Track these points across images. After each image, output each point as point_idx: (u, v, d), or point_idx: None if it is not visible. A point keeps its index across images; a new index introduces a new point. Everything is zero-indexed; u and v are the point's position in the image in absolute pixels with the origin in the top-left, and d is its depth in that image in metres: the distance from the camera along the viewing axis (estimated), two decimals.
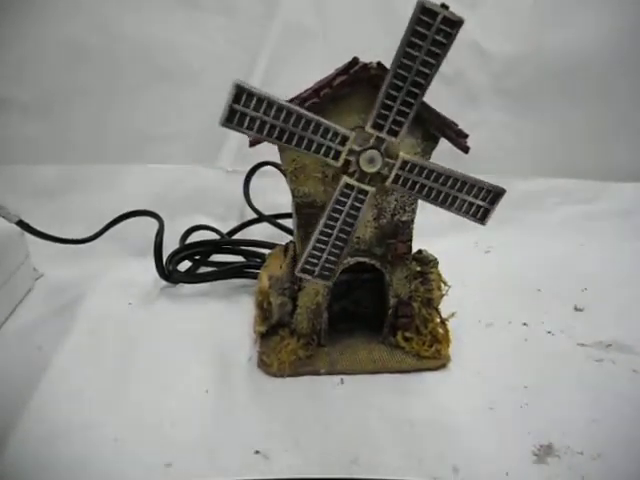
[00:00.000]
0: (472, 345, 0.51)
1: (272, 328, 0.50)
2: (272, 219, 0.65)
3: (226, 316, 0.56)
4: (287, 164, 0.43)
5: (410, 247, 0.47)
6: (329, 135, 0.37)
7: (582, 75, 0.76)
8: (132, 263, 0.65)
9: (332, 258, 0.40)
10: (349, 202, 0.38)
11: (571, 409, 0.43)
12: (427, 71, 0.34)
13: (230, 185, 0.72)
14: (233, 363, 0.48)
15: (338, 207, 0.38)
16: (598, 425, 0.41)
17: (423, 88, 0.35)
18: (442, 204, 0.39)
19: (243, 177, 0.70)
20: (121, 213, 0.60)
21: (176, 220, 0.67)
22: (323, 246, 0.39)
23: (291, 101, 0.43)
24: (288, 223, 0.65)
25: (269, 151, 0.42)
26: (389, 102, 0.35)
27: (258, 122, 0.35)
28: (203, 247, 0.62)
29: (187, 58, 0.71)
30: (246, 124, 0.35)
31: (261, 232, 0.68)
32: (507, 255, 0.70)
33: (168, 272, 0.58)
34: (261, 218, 0.66)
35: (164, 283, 0.61)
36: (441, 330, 0.50)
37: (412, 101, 0.35)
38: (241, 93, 0.34)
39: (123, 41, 0.67)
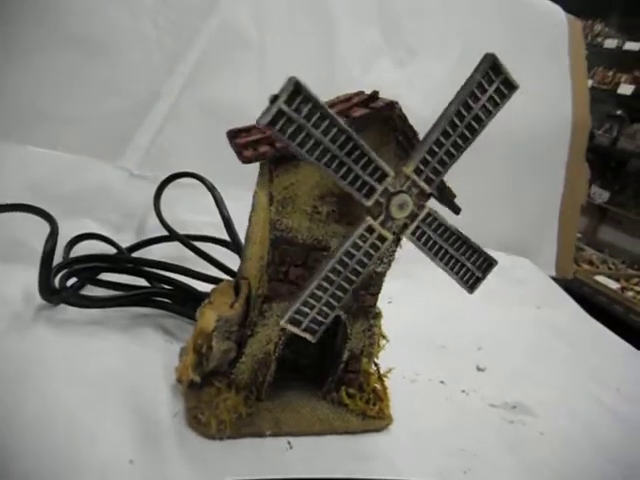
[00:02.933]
0: (403, 402, 0.49)
1: (204, 377, 0.41)
2: (186, 239, 0.56)
3: (130, 355, 0.45)
4: (277, 191, 0.37)
5: (376, 300, 0.44)
6: (369, 168, 0.33)
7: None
8: None
9: (327, 310, 0.35)
10: (364, 247, 0.34)
11: (507, 473, 0.44)
12: (476, 126, 0.33)
13: (132, 191, 0.60)
14: (155, 420, 0.39)
15: (352, 251, 0.34)
16: None
17: (468, 142, 0.33)
18: (445, 265, 0.37)
19: (149, 184, 0.59)
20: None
21: (59, 222, 0.53)
22: (322, 294, 0.34)
23: None
24: (207, 248, 0.56)
25: (188, 160, 0.36)
26: (436, 149, 0.33)
27: (304, 133, 0.29)
28: (100, 262, 0.50)
29: (106, 32, 0.58)
30: (290, 132, 0.29)
31: (166, 253, 0.57)
32: (408, 307, 0.71)
33: (55, 290, 0.45)
34: (172, 236, 0.56)
35: (39, 302, 0.47)
36: (379, 386, 0.48)
37: (455, 153, 0.33)
38: (297, 93, 0.28)
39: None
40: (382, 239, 0.34)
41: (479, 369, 0.61)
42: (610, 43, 2.28)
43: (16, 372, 0.39)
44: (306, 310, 0.34)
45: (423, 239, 0.36)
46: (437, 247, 0.37)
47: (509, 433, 0.50)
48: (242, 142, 0.36)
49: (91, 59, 0.57)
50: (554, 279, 0.97)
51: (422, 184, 0.34)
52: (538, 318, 0.79)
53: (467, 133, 0.33)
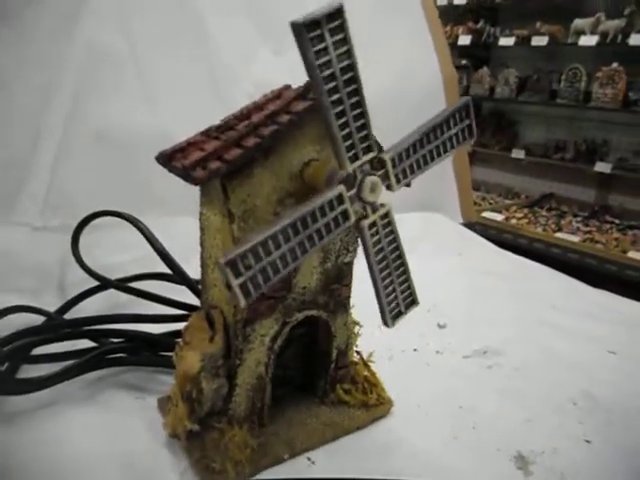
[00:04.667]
0: (392, 381, 0.49)
1: (201, 423, 0.38)
2: (121, 284, 0.50)
3: (106, 425, 0.40)
4: (235, 207, 0.34)
5: (350, 290, 0.43)
6: (362, 133, 0.31)
7: None
8: None
9: (269, 272, 0.29)
10: (328, 217, 0.31)
11: (510, 415, 0.46)
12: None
13: (40, 246, 0.52)
14: None
15: (317, 214, 0.31)
16: (546, 423, 0.45)
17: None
18: (381, 279, 0.35)
19: (57, 234, 0.52)
20: None
21: None
22: (273, 249, 0.29)
23: (227, 127, 0.35)
24: (145, 286, 0.51)
25: (93, 197, 0.32)
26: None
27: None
28: (35, 336, 0.43)
29: None
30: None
31: (100, 304, 0.51)
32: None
33: None
34: (105, 285, 0.50)
35: None
36: (367, 373, 0.48)
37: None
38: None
39: None
40: (345, 216, 0.32)
41: (440, 326, 0.63)
42: (441, 0, 2.46)
43: None
44: (250, 262, 0.29)
45: (375, 238, 0.34)
46: (382, 255, 0.35)
47: (492, 377, 0.53)
48: (187, 163, 0.33)
49: None
50: (465, 225, 1.04)
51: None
52: (465, 264, 0.84)
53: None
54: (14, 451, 0.37)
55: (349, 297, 0.43)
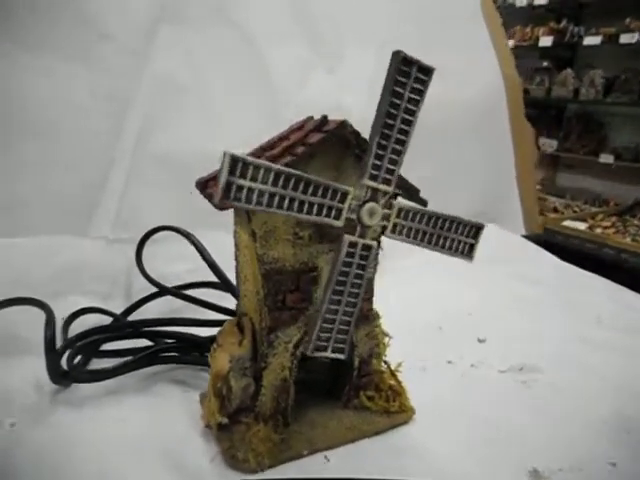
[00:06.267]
0: (420, 391, 0.51)
1: (231, 417, 0.43)
2: (177, 291, 0.57)
3: (154, 414, 0.46)
4: (257, 228, 0.39)
5: (372, 303, 0.46)
6: (329, 194, 0.35)
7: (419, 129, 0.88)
8: None
9: (344, 327, 0.37)
10: (355, 261, 0.36)
11: (531, 431, 0.47)
12: (410, 118, 0.35)
13: (111, 256, 0.61)
14: (194, 470, 0.40)
15: (345, 269, 0.36)
16: (571, 441, 0.45)
17: (408, 134, 0.35)
18: (435, 246, 0.40)
19: (126, 246, 0.60)
20: None
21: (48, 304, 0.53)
22: (334, 316, 0.36)
23: (255, 156, 0.40)
24: (197, 294, 0.58)
25: (157, 213, 0.38)
26: (381, 152, 0.35)
27: (256, 192, 0.32)
28: (101, 334, 0.51)
29: (42, 111, 0.59)
30: (244, 197, 0.32)
31: (160, 308, 0.59)
32: (392, 299, 0.73)
33: (64, 372, 0.46)
34: (162, 291, 0.57)
35: (51, 388, 0.47)
36: (393, 382, 0.50)
37: (400, 148, 0.36)
38: (236, 163, 0.31)
39: None
40: (368, 248, 0.37)
41: (480, 341, 0.64)
42: (521, 1, 2.38)
43: (47, 462, 0.40)
44: (325, 336, 0.37)
45: (404, 232, 0.39)
46: (421, 234, 0.39)
47: (525, 393, 0.53)
48: (213, 191, 0.38)
49: (33, 141, 0.57)
50: (526, 237, 1.02)
51: (382, 187, 0.36)
52: (516, 276, 0.83)
53: (404, 127, 0.35)
54: (84, 428, 0.44)
55: (371, 309, 0.46)
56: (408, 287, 0.77)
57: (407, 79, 0.34)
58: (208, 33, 0.72)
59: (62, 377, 0.46)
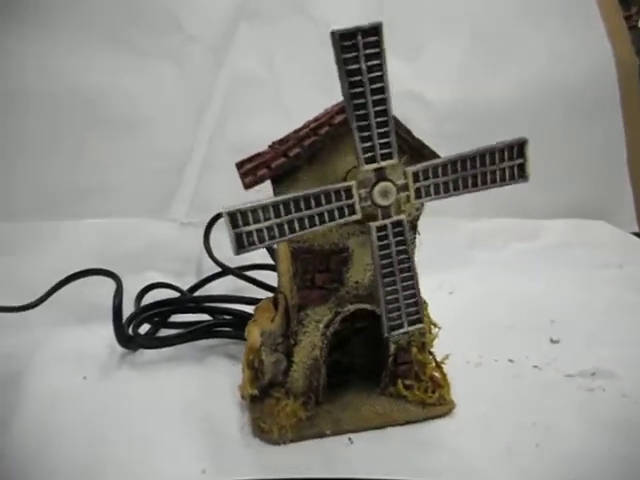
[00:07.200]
0: (468, 387, 0.49)
1: (263, 390, 0.45)
2: (238, 272, 0.61)
3: (202, 382, 0.50)
4: None
5: None
6: (332, 197, 0.35)
7: (517, 118, 0.82)
8: (78, 330, 0.56)
9: (411, 300, 0.37)
10: (392, 241, 0.36)
11: (582, 442, 0.42)
12: (380, 85, 0.33)
13: (185, 238, 0.67)
14: (225, 435, 0.42)
15: (385, 252, 0.36)
16: (613, 455, 0.41)
17: (386, 102, 0.33)
18: (474, 187, 0.37)
19: (198, 229, 0.66)
20: (69, 274, 0.53)
21: (126, 279, 0.60)
22: (395, 296, 0.37)
23: (285, 140, 0.41)
24: (256, 275, 0.61)
25: (227, 200, 0.40)
26: (365, 133, 0.34)
27: (265, 230, 0.34)
28: (165, 307, 0.56)
29: (132, 106, 0.66)
30: (256, 239, 0.34)
31: (224, 287, 0.63)
32: (472, 294, 0.70)
33: (129, 337, 0.51)
34: (225, 271, 0.61)
35: (120, 351, 0.53)
36: (438, 374, 0.48)
37: (385, 118, 0.34)
38: (234, 216, 0.33)
39: (63, 87, 0.61)
40: (398, 223, 0.36)
41: (553, 341, 0.59)
42: None
43: (110, 410, 0.45)
44: (395, 314, 0.37)
45: (432, 191, 0.36)
46: (452, 184, 0.37)
47: (587, 400, 0.48)
48: (243, 171, 0.40)
49: (123, 133, 0.65)
50: (637, 235, 0.91)
51: (384, 163, 0.34)
52: (619, 278, 0.75)
53: (377, 96, 0.33)
54: (142, 386, 0.49)
55: None
56: (492, 282, 0.73)
57: (356, 51, 0.32)
58: (286, 29, 0.74)
59: (128, 342, 0.52)
